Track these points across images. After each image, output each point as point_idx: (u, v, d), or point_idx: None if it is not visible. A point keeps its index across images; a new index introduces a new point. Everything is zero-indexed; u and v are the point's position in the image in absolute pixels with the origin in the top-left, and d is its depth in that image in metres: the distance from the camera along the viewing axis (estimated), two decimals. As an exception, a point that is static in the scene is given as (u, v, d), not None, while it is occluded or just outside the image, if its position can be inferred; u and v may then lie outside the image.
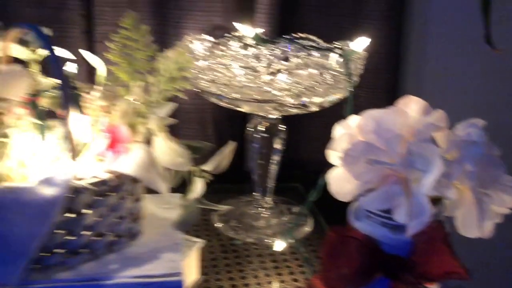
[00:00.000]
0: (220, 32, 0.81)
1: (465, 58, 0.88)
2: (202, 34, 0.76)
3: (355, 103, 0.86)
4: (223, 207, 0.54)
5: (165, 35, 0.82)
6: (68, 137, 0.41)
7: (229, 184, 0.78)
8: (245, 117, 0.89)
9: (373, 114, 0.46)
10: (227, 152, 0.53)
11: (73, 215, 0.44)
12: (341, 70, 0.60)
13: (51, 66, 0.41)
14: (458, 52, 0.88)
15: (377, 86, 0.88)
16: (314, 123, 0.89)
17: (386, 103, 0.87)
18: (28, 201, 0.40)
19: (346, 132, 0.48)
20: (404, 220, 0.40)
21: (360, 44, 0.60)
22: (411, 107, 0.48)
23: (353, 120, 0.49)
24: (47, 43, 0.42)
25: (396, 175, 0.42)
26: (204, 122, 0.87)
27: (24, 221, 0.40)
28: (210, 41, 0.72)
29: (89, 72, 0.74)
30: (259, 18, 0.83)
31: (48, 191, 0.41)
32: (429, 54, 0.90)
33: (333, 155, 0.48)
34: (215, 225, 0.71)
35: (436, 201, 0.43)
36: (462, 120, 0.46)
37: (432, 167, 0.38)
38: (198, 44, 0.69)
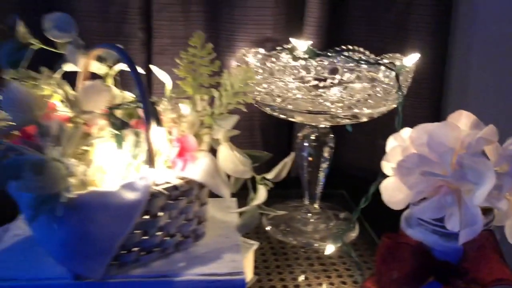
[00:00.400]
0: (271, 44, 0.85)
1: (509, 67, 0.89)
2: (256, 48, 0.80)
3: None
4: (280, 213, 0.58)
5: (218, 47, 0.86)
6: (148, 147, 0.46)
7: (277, 190, 0.82)
8: (291, 124, 0.93)
9: (426, 128, 0.48)
10: (287, 162, 0.57)
11: (149, 217, 0.49)
12: (390, 82, 0.63)
13: (134, 81, 0.46)
14: (503, 61, 0.89)
15: (422, 94, 0.90)
16: (359, 131, 0.92)
17: (430, 111, 0.91)
18: (113, 204, 0.45)
19: (399, 144, 0.51)
20: (456, 229, 0.43)
21: (411, 59, 0.62)
22: (462, 121, 0.51)
23: (406, 133, 0.52)
24: (130, 61, 0.47)
25: (448, 186, 0.45)
26: (252, 129, 0.91)
27: (109, 222, 0.45)
28: (263, 54, 0.76)
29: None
30: (308, 30, 0.86)
31: (130, 195, 0.45)
32: (474, 64, 0.91)
33: (387, 166, 0.51)
34: (266, 228, 0.75)
35: (487, 211, 0.46)
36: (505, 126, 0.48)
37: (485, 180, 0.41)
38: (251, 57, 0.74)
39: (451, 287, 0.44)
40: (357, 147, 0.96)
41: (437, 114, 0.92)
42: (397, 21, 0.88)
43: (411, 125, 0.51)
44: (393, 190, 0.51)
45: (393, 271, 0.46)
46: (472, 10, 0.88)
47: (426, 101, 0.90)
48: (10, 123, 0.49)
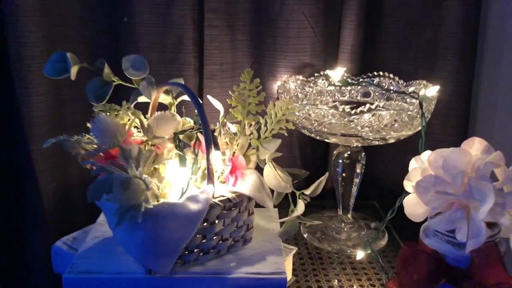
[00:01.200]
0: (309, 70, 0.94)
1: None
2: (295, 74, 0.90)
3: (430, 130, 0.96)
4: (316, 222, 0.67)
5: (261, 72, 0.95)
6: (208, 167, 0.56)
7: (313, 200, 0.92)
8: (327, 143, 1.02)
9: (442, 153, 0.57)
10: (322, 181, 0.66)
11: (207, 224, 0.59)
12: (414, 110, 0.71)
13: (197, 112, 0.56)
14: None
15: (450, 115, 0.96)
16: (392, 147, 0.99)
17: (457, 131, 0.97)
18: (180, 213, 0.55)
19: (419, 166, 0.59)
20: (464, 239, 0.51)
21: (432, 91, 0.71)
22: (475, 146, 0.59)
23: (425, 156, 0.60)
24: (193, 95, 0.58)
25: (459, 203, 0.53)
26: (292, 146, 1.00)
27: (176, 227, 0.55)
28: (301, 80, 0.86)
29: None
30: (343, 56, 0.94)
31: (194, 206, 0.56)
32: (500, 88, 0.97)
33: (408, 184, 0.59)
34: (304, 235, 0.84)
35: (492, 225, 0.53)
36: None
37: (487, 199, 0.49)
38: (291, 83, 0.83)
39: (461, 289, 0.52)
40: (389, 162, 1.03)
41: (465, 133, 0.98)
42: (427, 48, 0.95)
43: (441, 143, 0.58)
44: (413, 205, 0.59)
45: (411, 274, 0.54)
46: (499, 37, 0.95)
47: (453, 122, 0.96)
48: (97, 146, 0.61)
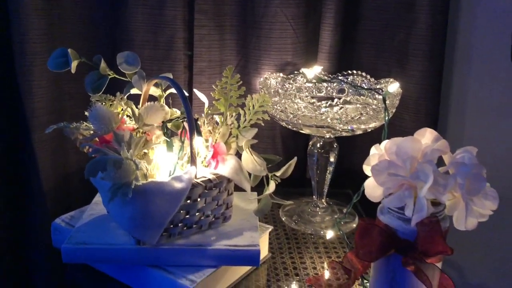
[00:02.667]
0: (291, 68, 1.02)
1: (499, 89, 1.03)
2: (277, 71, 0.97)
3: (400, 124, 1.04)
4: (287, 202, 0.75)
5: (247, 69, 1.03)
6: (191, 151, 0.64)
7: (294, 188, 1.00)
8: (307, 134, 1.09)
9: (396, 140, 0.65)
10: (291, 164, 0.74)
11: (190, 202, 0.67)
12: (379, 103, 0.79)
13: (182, 103, 0.64)
14: (492, 86, 1.03)
15: (420, 111, 1.03)
16: (364, 141, 1.07)
17: (427, 125, 1.05)
18: (166, 190, 0.63)
19: (377, 152, 0.67)
20: (410, 215, 0.59)
21: (394, 87, 0.79)
22: (426, 136, 0.67)
23: (383, 144, 0.68)
24: (179, 88, 0.65)
25: (408, 184, 0.61)
26: (274, 137, 1.08)
27: (163, 203, 0.63)
28: (282, 77, 0.94)
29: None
30: (321, 56, 1.02)
31: (178, 185, 0.64)
32: (470, 86, 1.06)
33: (367, 168, 0.67)
34: (282, 219, 0.92)
35: (437, 204, 0.61)
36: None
37: (428, 179, 0.57)
38: (272, 80, 0.91)
39: (407, 257, 0.60)
40: (363, 154, 1.09)
41: (435, 128, 1.06)
42: (399, 49, 1.03)
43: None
44: (372, 188, 0.67)
45: (367, 245, 0.62)
46: (466, 38, 1.03)
47: (423, 117, 1.03)
48: (93, 132, 0.68)
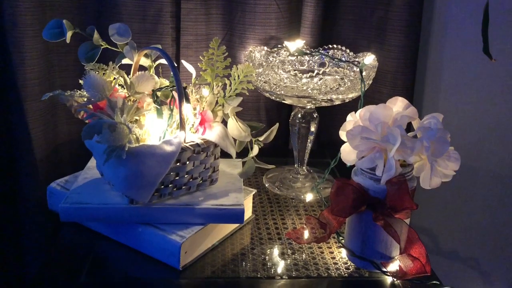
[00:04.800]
0: (275, 42, 1.07)
1: (472, 64, 1.10)
2: (261, 45, 1.02)
3: (379, 97, 1.10)
4: (269, 166, 0.81)
5: (232, 43, 1.07)
6: (180, 117, 0.69)
7: (276, 158, 1.05)
8: (290, 106, 1.15)
9: (369, 108, 0.70)
10: (273, 129, 0.79)
11: (179, 164, 0.72)
12: (356, 75, 0.84)
13: (172, 72, 0.69)
14: (466, 60, 1.10)
15: (397, 85, 1.09)
16: (345, 113, 1.13)
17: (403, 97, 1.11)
18: (157, 153, 0.68)
19: (353, 119, 0.73)
20: (380, 174, 0.65)
21: (369, 59, 0.84)
22: (398, 104, 0.72)
23: (359, 112, 0.73)
24: (169, 58, 0.70)
25: (379, 147, 0.67)
26: (259, 109, 1.13)
27: (154, 164, 0.68)
28: (266, 50, 0.98)
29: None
30: (304, 30, 1.07)
31: (168, 148, 0.69)
32: (443, 60, 1.12)
33: (343, 134, 0.73)
34: (265, 185, 0.98)
35: (405, 165, 0.68)
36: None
37: (396, 142, 0.63)
38: (257, 53, 0.96)
39: (377, 213, 0.66)
40: (341, 124, 1.17)
41: (410, 100, 1.12)
42: (378, 24, 1.09)
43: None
44: (347, 152, 0.73)
45: (341, 202, 0.68)
46: (442, 13, 1.08)
47: (400, 90, 1.09)
48: (87, 99, 0.73)
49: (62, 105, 1.04)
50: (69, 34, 0.73)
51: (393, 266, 0.69)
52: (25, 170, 1.00)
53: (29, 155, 0.99)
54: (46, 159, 1.02)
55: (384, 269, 0.69)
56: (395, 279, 0.69)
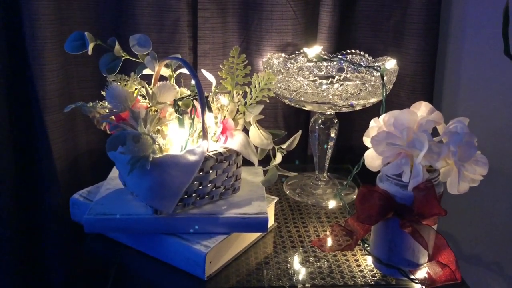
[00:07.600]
0: (291, 48, 1.06)
1: (492, 66, 1.08)
2: (279, 52, 1.02)
3: (397, 101, 1.09)
4: (291, 173, 0.80)
5: (249, 51, 1.07)
6: (203, 126, 0.69)
7: (296, 164, 1.05)
8: (307, 112, 1.14)
9: (393, 113, 0.69)
10: (296, 137, 0.79)
11: (202, 173, 0.72)
12: (377, 80, 0.83)
13: (195, 82, 0.69)
14: (485, 62, 1.08)
15: (416, 88, 1.08)
16: (365, 119, 1.12)
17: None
18: (180, 163, 0.68)
19: (376, 125, 0.72)
20: (407, 180, 0.64)
21: (390, 64, 0.83)
22: (422, 108, 0.72)
23: (382, 117, 0.73)
24: (190, 68, 0.70)
25: (405, 153, 0.66)
26: (276, 116, 1.13)
27: (178, 174, 0.68)
28: (284, 57, 0.98)
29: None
30: (321, 36, 1.06)
31: (192, 158, 0.68)
32: (461, 62, 1.10)
33: (367, 140, 0.72)
34: (285, 191, 0.98)
35: (432, 170, 0.67)
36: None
37: (423, 147, 0.62)
38: (275, 60, 0.95)
39: (405, 220, 0.65)
40: (364, 131, 1.16)
41: (430, 103, 1.11)
42: (395, 28, 1.08)
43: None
44: (372, 158, 0.72)
45: (367, 209, 0.67)
46: (460, 16, 1.07)
47: (419, 94, 1.08)
48: (110, 110, 0.73)
49: (81, 115, 1.05)
50: (91, 46, 0.73)
51: (421, 274, 0.68)
52: (47, 180, 1.00)
53: (50, 166, 0.99)
54: (66, 170, 1.02)
55: (412, 277, 0.68)
56: (423, 287, 0.68)
